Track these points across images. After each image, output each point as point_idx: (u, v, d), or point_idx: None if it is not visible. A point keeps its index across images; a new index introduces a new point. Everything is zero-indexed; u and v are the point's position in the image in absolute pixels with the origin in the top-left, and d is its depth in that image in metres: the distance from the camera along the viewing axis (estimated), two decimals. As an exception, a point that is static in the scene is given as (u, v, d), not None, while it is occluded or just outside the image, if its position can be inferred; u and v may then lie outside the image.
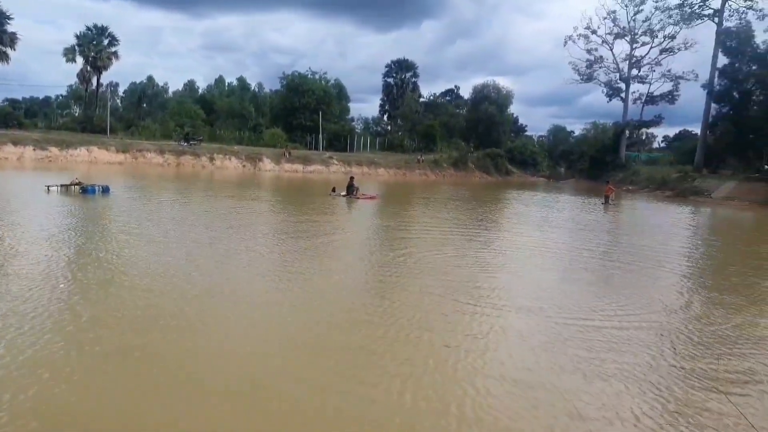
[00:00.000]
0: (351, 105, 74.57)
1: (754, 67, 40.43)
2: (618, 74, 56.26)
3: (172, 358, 5.27)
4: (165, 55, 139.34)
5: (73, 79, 65.12)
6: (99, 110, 58.93)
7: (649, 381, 5.32)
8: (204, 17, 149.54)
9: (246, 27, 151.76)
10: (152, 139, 46.70)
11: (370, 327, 6.45)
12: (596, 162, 55.81)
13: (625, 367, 5.61)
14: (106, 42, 56.89)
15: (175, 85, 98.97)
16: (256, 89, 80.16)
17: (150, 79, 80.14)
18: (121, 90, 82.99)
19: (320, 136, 55.75)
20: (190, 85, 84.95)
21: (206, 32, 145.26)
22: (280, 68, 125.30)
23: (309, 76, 63.01)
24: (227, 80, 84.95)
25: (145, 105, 76.31)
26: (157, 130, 53.18)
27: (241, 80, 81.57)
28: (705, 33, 72.99)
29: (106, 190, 18.52)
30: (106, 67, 57.78)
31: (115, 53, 57.42)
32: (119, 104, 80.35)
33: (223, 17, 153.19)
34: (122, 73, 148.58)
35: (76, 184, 18.52)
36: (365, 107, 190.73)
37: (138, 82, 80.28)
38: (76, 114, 68.07)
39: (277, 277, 8.76)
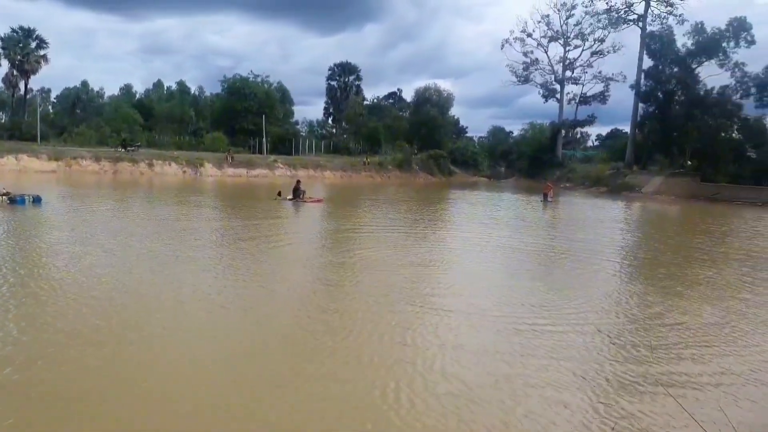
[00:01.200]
0: (295, 108, 74.34)
1: (675, 69, 42.98)
2: (553, 76, 58.59)
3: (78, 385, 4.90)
4: (100, 58, 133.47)
5: (-2, 84, 61.92)
6: (28, 116, 56.33)
7: (588, 381, 5.55)
8: (141, 19, 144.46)
9: (185, 29, 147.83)
10: (87, 145, 45.03)
11: (312, 336, 6.33)
12: (534, 161, 57.74)
13: (563, 364, 5.84)
14: (33, 45, 54.61)
15: (112, 89, 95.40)
16: (197, 93, 78.69)
17: (84, 83, 77.24)
18: (53, 95, 79.66)
19: (264, 139, 55.28)
20: (127, 90, 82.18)
21: (143, 35, 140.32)
22: (222, 71, 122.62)
23: (251, 79, 62.39)
24: (166, 84, 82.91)
25: (79, 111, 73.35)
26: (92, 136, 51.22)
27: (181, 84, 79.85)
28: (631, 37, 76.71)
29: (37, 200, 17.36)
30: (34, 71, 55.44)
31: (44, 56, 55.22)
32: (50, 110, 76.96)
33: (161, 19, 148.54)
34: (54, 77, 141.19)
35: (4, 194, 17.24)
36: (309, 110, 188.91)
37: (72, 87, 77.11)
38: (2, 120, 64.77)
39: (219, 287, 8.40)
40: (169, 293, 7.93)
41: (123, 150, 41.50)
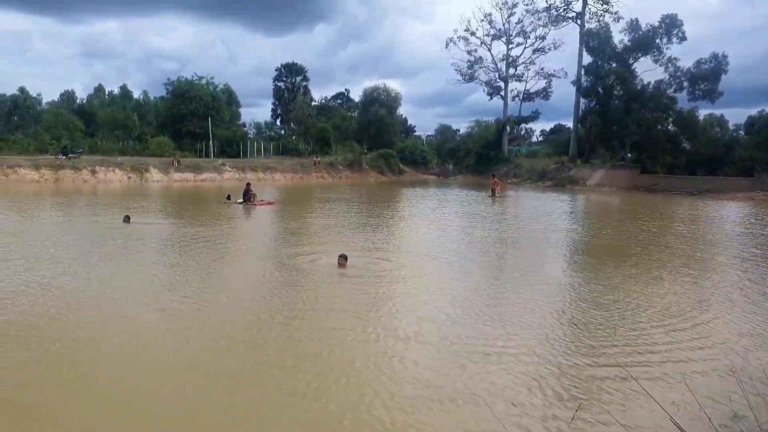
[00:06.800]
0: (243, 110, 73.15)
1: (613, 65, 44.55)
2: (497, 74, 59.61)
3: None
4: (36, 62, 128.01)
5: None
6: (-43, 125, 53.52)
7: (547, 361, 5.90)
8: (78, 23, 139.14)
9: (126, 32, 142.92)
10: (25, 154, 43.16)
11: (263, 350, 6.05)
12: (481, 157, 58.65)
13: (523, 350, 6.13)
14: (-38, 50, 51.91)
15: (52, 95, 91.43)
16: (141, 97, 76.46)
17: (22, 89, 73.83)
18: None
19: (211, 143, 54.25)
20: (69, 95, 79.04)
21: (83, 38, 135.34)
22: (167, 74, 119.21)
23: (195, 81, 61.08)
24: (109, 89, 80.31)
25: (16, 118, 70.15)
26: (30, 144, 49.11)
27: (123, 88, 77.41)
28: (571, 34, 79.08)
29: None
30: (-36, 77, 52.72)
31: (-26, 62, 52.56)
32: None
33: (100, 22, 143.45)
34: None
35: None
36: (258, 112, 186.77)
37: (9, 94, 73.58)
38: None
39: (166, 298, 7.98)
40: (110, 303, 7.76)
41: (64, 157, 39.97)
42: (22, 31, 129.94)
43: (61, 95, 79.68)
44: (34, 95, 77.18)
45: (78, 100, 76.60)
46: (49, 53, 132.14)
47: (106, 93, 79.20)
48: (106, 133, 58.40)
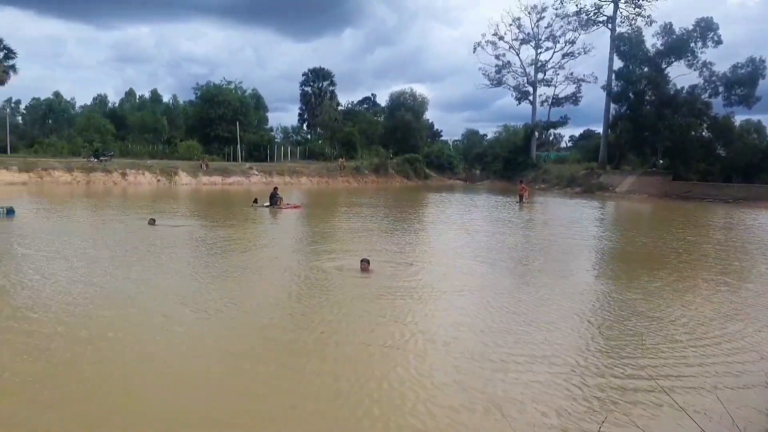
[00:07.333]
0: (270, 114, 74.16)
1: (645, 69, 43.63)
2: (525, 78, 58.93)
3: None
4: (71, 67, 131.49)
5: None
6: (-4, 128, 55.02)
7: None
8: (111, 28, 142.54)
9: (157, 37, 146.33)
10: (59, 156, 44.18)
11: (303, 354, 5.95)
12: (509, 163, 58.03)
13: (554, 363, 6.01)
14: (1, 55, 53.33)
15: (85, 99, 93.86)
16: (170, 101, 77.80)
17: (57, 94, 75.77)
18: (22, 106, 77.97)
19: (239, 146, 54.84)
20: (101, 99, 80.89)
21: (116, 44, 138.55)
22: (196, 79, 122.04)
23: (224, 86, 61.84)
24: (140, 93, 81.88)
25: (50, 121, 71.96)
26: (64, 147, 50.32)
27: (153, 92, 78.86)
28: (601, 38, 78.00)
29: (10, 212, 17.12)
30: (2, 82, 53.96)
31: (12, 67, 53.78)
32: (20, 121, 75.35)
33: (132, 28, 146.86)
34: (24, 87, 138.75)
35: None
36: (285, 116, 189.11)
37: (43, 98, 75.57)
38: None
39: (203, 299, 7.99)
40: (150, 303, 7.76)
41: (95, 160, 40.88)
42: (58, 36, 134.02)
43: (94, 99, 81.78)
44: (68, 99, 79.43)
45: (110, 104, 78.47)
46: (83, 58, 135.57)
47: (137, 97, 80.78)
48: (137, 137, 59.49)
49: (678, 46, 42.20)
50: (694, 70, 42.19)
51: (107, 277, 9.29)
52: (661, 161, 45.44)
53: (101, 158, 41.47)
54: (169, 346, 6.13)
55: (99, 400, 4.74)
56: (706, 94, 42.31)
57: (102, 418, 4.44)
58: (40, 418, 4.38)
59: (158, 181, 39.25)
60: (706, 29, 41.82)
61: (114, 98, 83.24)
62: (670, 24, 43.03)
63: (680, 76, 43.03)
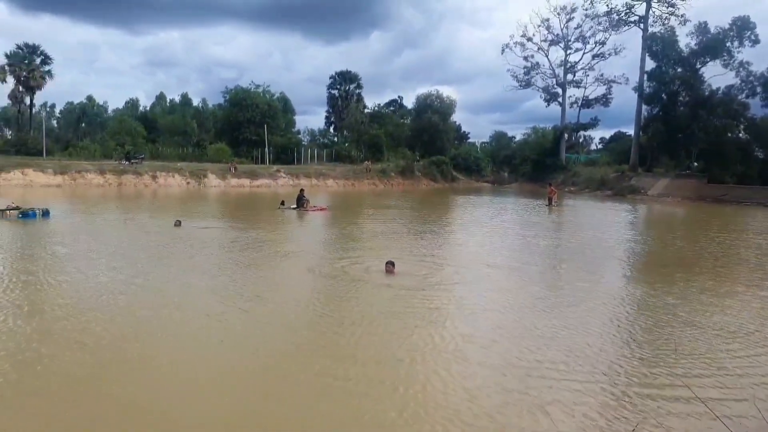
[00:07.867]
0: (297, 117, 74.55)
1: (678, 70, 42.72)
2: (554, 80, 58.24)
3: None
4: (104, 72, 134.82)
5: (4, 101, 62.22)
6: (34, 132, 56.38)
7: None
8: (143, 33, 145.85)
9: (187, 42, 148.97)
10: (92, 159, 45.10)
11: (344, 357, 5.89)
12: (538, 165, 57.38)
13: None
14: (38, 61, 54.73)
15: (117, 103, 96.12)
16: (200, 105, 78.96)
17: (90, 98, 77.63)
18: (57, 110, 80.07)
19: (267, 149, 55.22)
20: (133, 103, 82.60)
21: (147, 48, 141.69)
22: (225, 83, 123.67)
23: (252, 89, 62.44)
24: (170, 96, 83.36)
25: (84, 125, 73.70)
26: (96, 149, 51.34)
27: (183, 96, 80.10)
28: (633, 39, 76.70)
29: (46, 213, 17.68)
30: (39, 87, 55.57)
31: (49, 72, 55.35)
32: (55, 125, 77.32)
33: (163, 33, 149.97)
34: (59, 92, 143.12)
35: (14, 208, 17.68)
36: (312, 119, 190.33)
37: (76, 102, 77.60)
38: (9, 136, 64.90)
39: (228, 303, 7.90)
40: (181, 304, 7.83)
41: (127, 162, 41.63)
42: (92, 42, 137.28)
43: (126, 103, 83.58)
44: (101, 103, 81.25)
45: (141, 108, 79.95)
46: (116, 63, 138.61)
47: (168, 101, 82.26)
48: (167, 140, 60.36)
49: (713, 45, 41.23)
50: (731, 70, 41.29)
51: (147, 277, 9.43)
52: (695, 164, 44.36)
53: (132, 161, 42.20)
54: (207, 346, 6.23)
55: (146, 395, 4.87)
56: (743, 95, 41.33)
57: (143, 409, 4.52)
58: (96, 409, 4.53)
59: (188, 183, 39.75)
60: (742, 28, 40.78)
61: (145, 102, 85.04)
62: (705, 23, 42.19)
63: (715, 76, 42.19)
